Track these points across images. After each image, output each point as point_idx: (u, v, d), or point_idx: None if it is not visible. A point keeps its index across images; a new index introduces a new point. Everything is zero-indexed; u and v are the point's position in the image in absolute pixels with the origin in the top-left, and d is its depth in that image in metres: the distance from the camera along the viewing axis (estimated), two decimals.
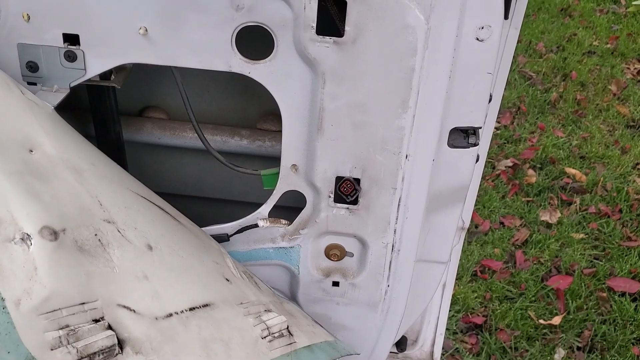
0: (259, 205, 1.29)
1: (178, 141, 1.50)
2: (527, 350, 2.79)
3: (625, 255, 3.32)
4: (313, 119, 1.15)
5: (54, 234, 0.84)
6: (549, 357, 2.77)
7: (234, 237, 1.31)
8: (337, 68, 1.09)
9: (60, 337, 0.74)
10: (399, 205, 1.22)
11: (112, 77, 1.23)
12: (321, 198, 1.24)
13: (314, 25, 1.05)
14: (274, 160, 1.47)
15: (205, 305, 0.94)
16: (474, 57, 1.10)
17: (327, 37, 1.06)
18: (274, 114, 1.51)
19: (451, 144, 1.20)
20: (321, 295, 1.37)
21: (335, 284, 1.35)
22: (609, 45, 5.93)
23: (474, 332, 2.89)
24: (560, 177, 3.97)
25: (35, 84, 1.17)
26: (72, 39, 1.13)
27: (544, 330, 2.89)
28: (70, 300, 0.79)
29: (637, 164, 4.16)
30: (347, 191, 1.20)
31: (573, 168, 4.05)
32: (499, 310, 2.97)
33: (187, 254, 1.03)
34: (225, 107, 1.53)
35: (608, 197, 3.80)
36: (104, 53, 1.14)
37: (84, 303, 0.79)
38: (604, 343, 2.83)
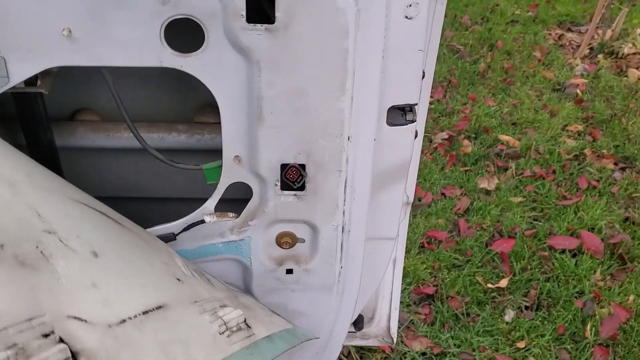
0: (204, 200, 1.27)
1: (113, 142, 1.45)
2: (478, 315, 2.88)
3: (562, 214, 3.46)
4: (252, 108, 1.14)
5: None
6: (499, 319, 2.87)
7: (181, 236, 1.29)
8: (271, 55, 1.08)
9: (8, 357, 0.71)
10: (345, 187, 1.23)
11: (38, 82, 1.18)
12: (267, 187, 1.23)
13: (244, 13, 1.04)
14: (216, 153, 1.45)
15: (159, 308, 0.92)
16: (404, 35, 1.11)
17: (258, 25, 1.05)
18: (211, 106, 1.48)
19: (390, 122, 1.21)
20: (276, 284, 1.36)
21: (289, 271, 1.35)
22: (530, 13, 6.13)
23: (426, 302, 2.96)
24: (495, 145, 4.10)
25: None
26: None
27: (493, 294, 2.99)
28: (16, 317, 0.75)
29: (566, 125, 4.34)
30: (293, 178, 1.20)
31: (506, 135, 4.18)
32: (448, 279, 3.05)
33: (135, 257, 1.01)
34: (159, 104, 1.50)
35: (541, 160, 3.96)
36: (26, 58, 1.09)
37: (31, 319, 0.76)
38: (550, 300, 2.96)
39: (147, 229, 1.25)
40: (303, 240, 1.32)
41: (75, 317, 0.81)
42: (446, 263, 3.15)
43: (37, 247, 0.86)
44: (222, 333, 0.98)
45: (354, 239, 1.31)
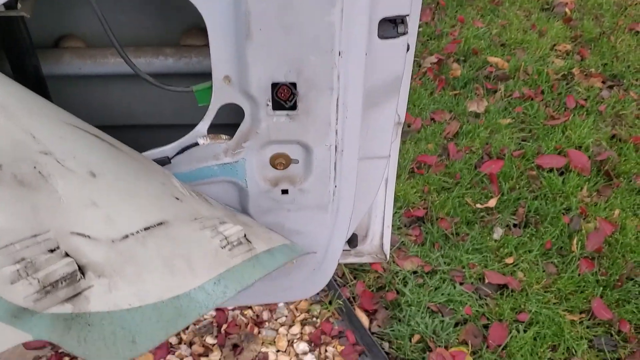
0: (194, 126, 1.27)
1: (101, 69, 1.43)
2: (467, 234, 2.95)
3: (550, 134, 3.49)
4: (240, 25, 1.12)
5: None
6: (488, 237, 2.94)
7: (176, 159, 1.30)
8: None
9: (18, 270, 0.73)
10: (337, 105, 1.23)
11: (19, 5, 1.15)
12: (259, 108, 1.23)
13: None
14: (204, 76, 1.44)
15: (160, 224, 0.94)
16: None
17: None
18: (197, 28, 1.45)
19: (381, 36, 1.20)
20: (271, 204, 1.38)
21: (284, 191, 1.37)
22: None
23: (416, 224, 3.02)
24: (484, 67, 4.08)
25: None
26: None
27: (482, 214, 3.06)
28: (20, 234, 0.77)
29: (554, 45, 4.31)
30: (284, 97, 1.19)
31: (495, 56, 4.15)
32: (437, 201, 3.10)
33: (133, 178, 1.01)
34: (144, 27, 1.46)
35: (530, 81, 3.95)
36: None
37: (36, 235, 0.78)
38: (537, 217, 3.03)
39: (142, 153, 1.25)
40: (297, 161, 1.33)
41: (78, 234, 0.83)
42: (436, 186, 3.19)
43: (34, 167, 0.87)
44: (224, 247, 1.00)
45: (347, 158, 1.32)
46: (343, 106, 1.24)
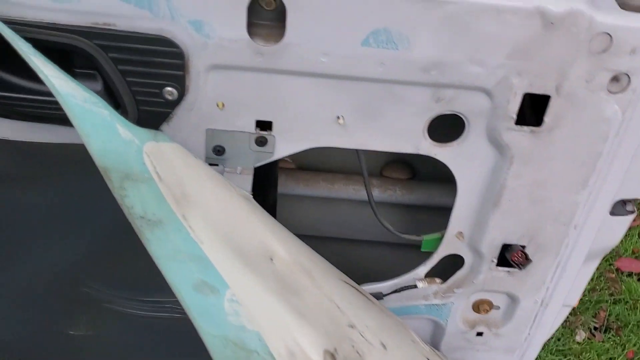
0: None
1: (311, 192, 1.50)
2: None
3: (628, 236, 3.54)
4: (490, 194, 1.20)
5: (332, 357, 0.86)
6: (571, 339, 2.97)
7: (389, 296, 1.36)
8: (527, 152, 1.13)
9: None
10: (557, 267, 1.30)
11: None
12: (482, 262, 1.29)
13: (514, 116, 1.09)
14: (402, 208, 1.51)
15: None
16: None
17: (525, 127, 1.10)
18: (400, 162, 1.53)
19: (612, 212, 1.27)
20: (463, 344, 1.44)
21: (479, 334, 1.43)
22: None
23: None
24: None
25: (217, 164, 1.16)
26: (264, 125, 1.12)
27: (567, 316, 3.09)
28: None
29: None
30: (518, 260, 1.26)
31: None
32: None
33: (401, 341, 1.07)
34: (351, 154, 1.54)
35: None
36: (295, 138, 1.13)
37: None
38: (619, 323, 3.07)
39: (360, 286, 1.32)
40: (498, 308, 1.40)
41: None
42: None
43: (352, 346, 0.93)
44: None
45: (549, 310, 1.39)
46: (562, 268, 1.31)
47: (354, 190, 1.51)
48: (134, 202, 0.78)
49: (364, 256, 1.44)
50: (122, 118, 0.90)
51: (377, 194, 1.52)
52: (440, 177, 1.48)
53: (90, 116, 0.82)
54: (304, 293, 0.94)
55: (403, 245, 1.51)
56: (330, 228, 1.59)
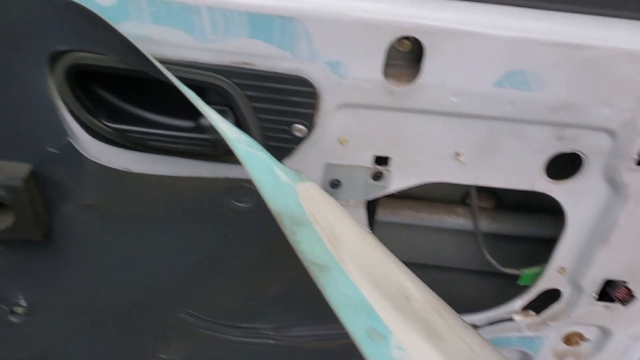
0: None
1: (395, 219, 1.50)
2: None
3: None
4: (599, 231, 1.20)
5: None
6: None
7: (483, 328, 1.36)
8: None
9: None
10: None
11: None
12: (582, 296, 1.29)
13: (636, 157, 1.09)
14: (487, 237, 1.51)
15: None
16: None
17: None
18: (485, 190, 1.53)
19: None
20: None
21: None
22: None
23: None
24: None
25: None
26: (382, 161, 1.12)
27: None
28: None
29: None
30: (622, 297, 1.27)
31: None
32: None
33: None
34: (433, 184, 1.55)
35: None
36: (411, 173, 1.14)
37: None
38: None
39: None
40: (590, 340, 1.40)
41: None
42: None
43: None
44: None
45: (638, 344, 1.39)
46: None
47: (439, 219, 1.50)
48: (305, 248, 0.78)
49: (443, 284, 1.43)
50: (276, 160, 0.90)
51: (463, 222, 1.52)
52: (523, 207, 1.48)
53: (255, 160, 0.81)
54: (442, 334, 0.93)
55: (480, 272, 1.51)
56: (415, 255, 1.59)
